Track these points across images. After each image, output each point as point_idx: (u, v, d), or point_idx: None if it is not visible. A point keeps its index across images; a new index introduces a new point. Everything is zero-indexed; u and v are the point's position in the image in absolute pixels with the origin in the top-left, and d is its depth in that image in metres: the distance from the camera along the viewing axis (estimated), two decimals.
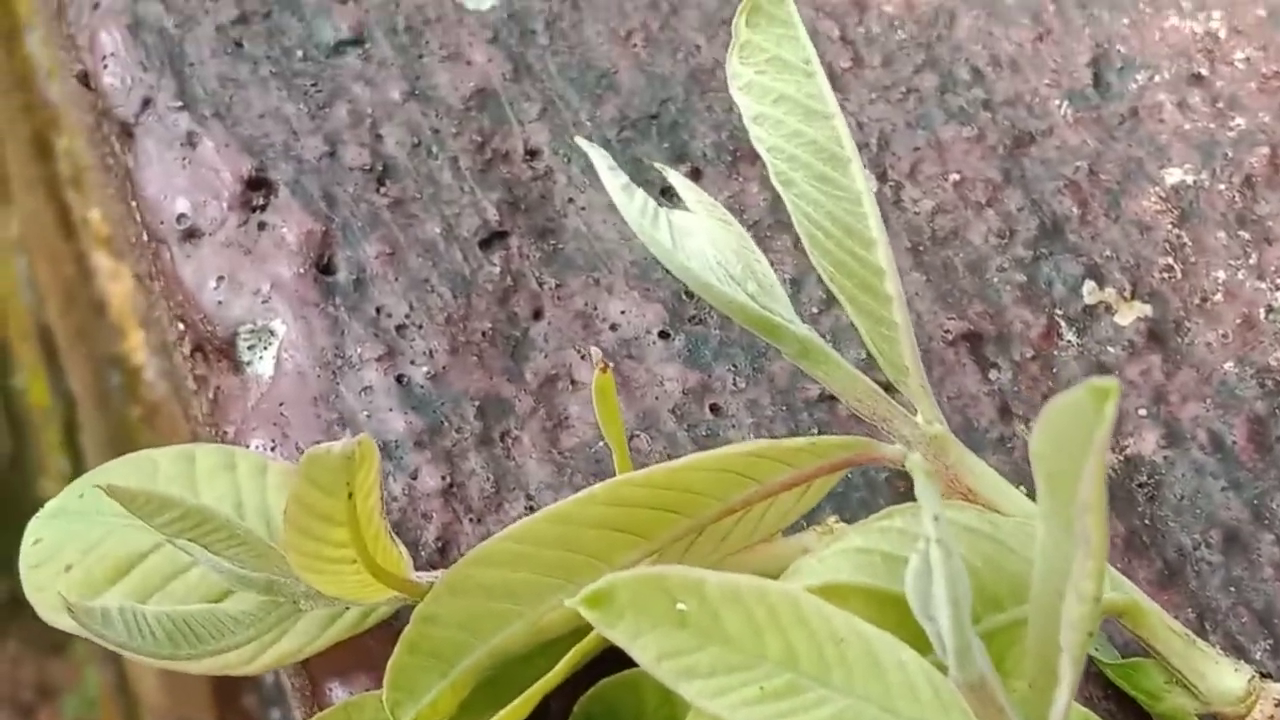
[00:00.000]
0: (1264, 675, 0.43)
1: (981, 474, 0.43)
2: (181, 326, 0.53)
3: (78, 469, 1.68)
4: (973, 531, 0.41)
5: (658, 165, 0.45)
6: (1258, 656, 0.47)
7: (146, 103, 0.56)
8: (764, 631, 0.37)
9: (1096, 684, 0.46)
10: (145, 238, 0.55)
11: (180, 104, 0.55)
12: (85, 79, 0.58)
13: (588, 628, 0.44)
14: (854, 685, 0.36)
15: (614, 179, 0.41)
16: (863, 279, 0.42)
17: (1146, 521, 0.49)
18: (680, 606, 0.37)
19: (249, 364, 0.51)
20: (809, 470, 0.43)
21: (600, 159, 0.41)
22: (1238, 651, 0.47)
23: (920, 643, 0.37)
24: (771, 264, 0.52)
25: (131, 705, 1.53)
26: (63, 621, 0.46)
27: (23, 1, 1.38)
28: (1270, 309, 0.54)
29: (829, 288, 0.43)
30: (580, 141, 0.42)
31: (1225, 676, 0.42)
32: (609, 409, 0.43)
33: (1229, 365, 0.53)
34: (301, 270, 0.52)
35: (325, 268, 0.52)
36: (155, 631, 0.42)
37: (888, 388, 0.44)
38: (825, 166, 0.43)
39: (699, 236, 0.42)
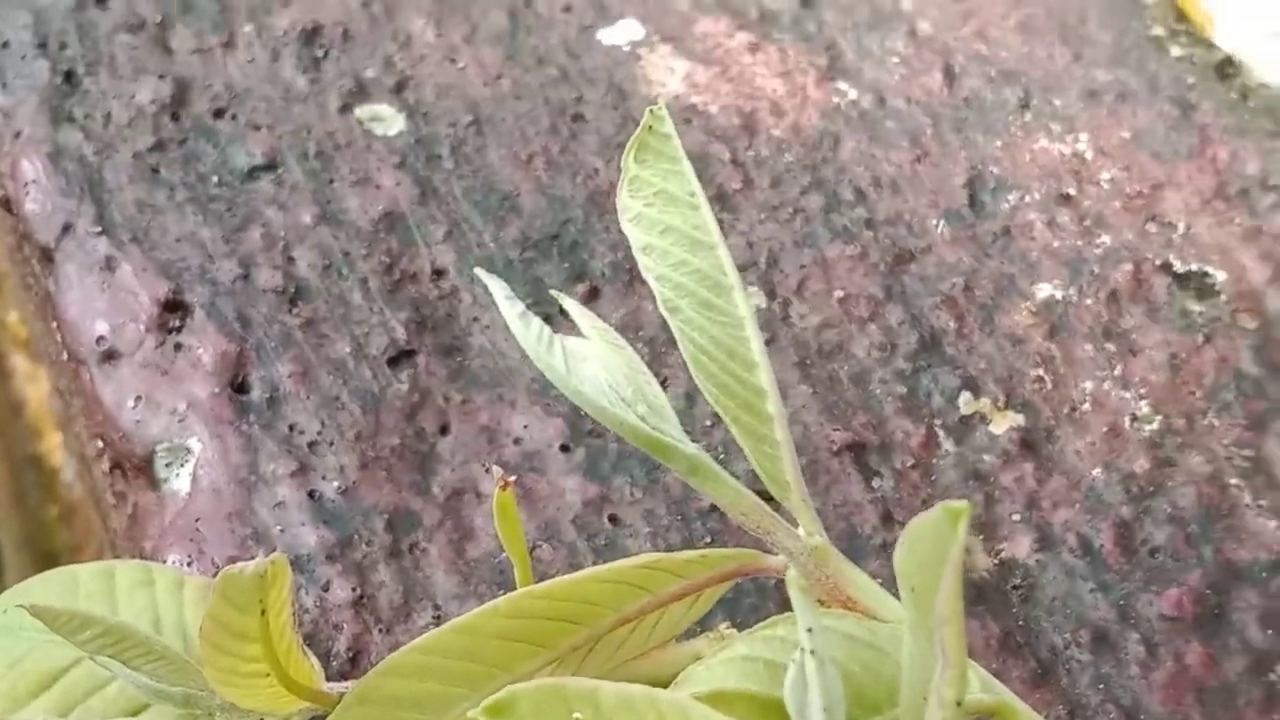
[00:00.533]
0: None
1: (860, 583, 0.46)
2: (100, 444, 0.56)
3: None
4: (852, 639, 0.43)
5: (553, 292, 0.48)
6: None
7: (67, 228, 0.58)
8: None
9: None
10: (65, 357, 0.58)
11: (99, 229, 0.58)
12: (7, 204, 0.60)
13: None
14: None
15: (511, 308, 0.44)
16: (745, 400, 0.45)
17: (1020, 622, 0.53)
18: (576, 716, 0.39)
19: (166, 481, 0.53)
20: (699, 580, 0.46)
21: (498, 288, 0.44)
22: None
23: None
24: (665, 379, 0.55)
25: None
26: None
27: None
28: (1135, 417, 0.57)
29: (717, 409, 0.46)
30: (479, 272, 0.45)
31: None
32: (510, 524, 0.46)
33: (1096, 471, 0.56)
34: (217, 390, 0.54)
35: (240, 387, 0.55)
36: None
37: (772, 500, 0.47)
38: (709, 293, 0.46)
39: (592, 361, 0.45)
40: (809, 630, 0.36)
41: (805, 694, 0.37)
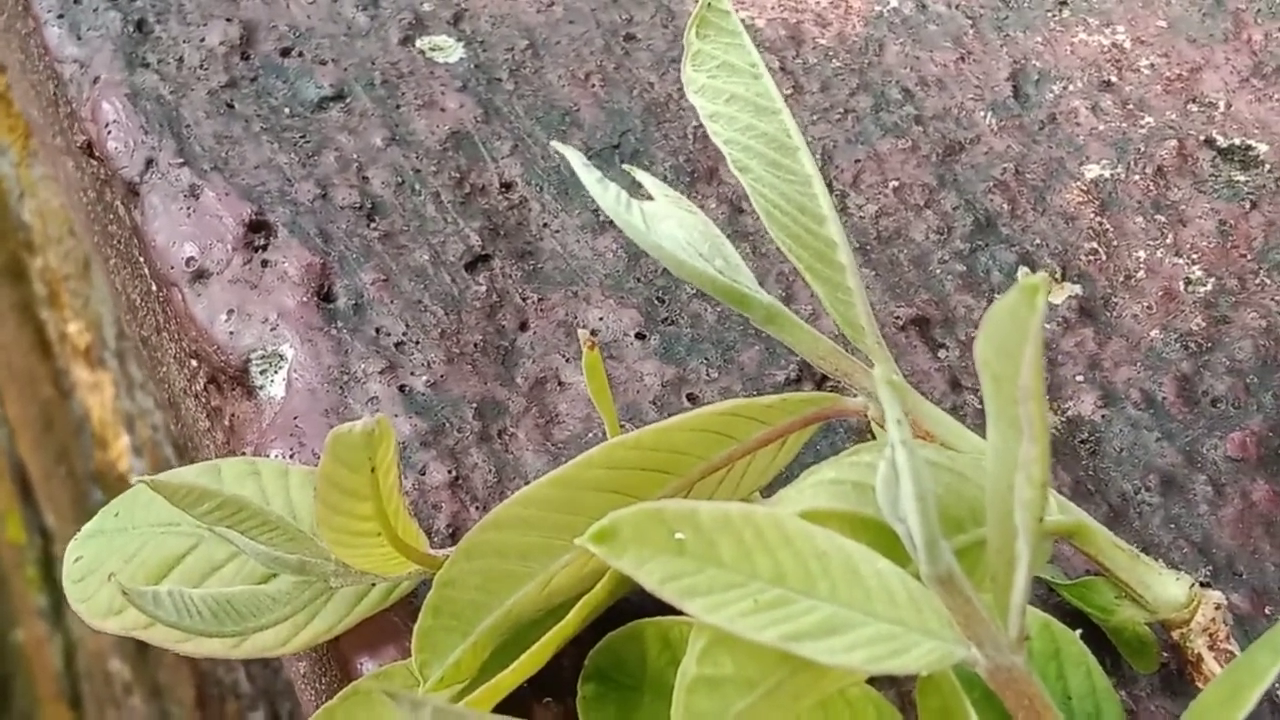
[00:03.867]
0: (1204, 584, 0.48)
1: (937, 417, 0.48)
2: (195, 363, 0.58)
3: (56, 605, 1.71)
4: (933, 464, 0.45)
5: (625, 167, 0.50)
6: (1202, 580, 0.52)
7: (149, 163, 0.60)
8: (754, 552, 0.41)
9: (1056, 615, 0.51)
10: (154, 288, 0.60)
11: (181, 161, 0.60)
12: (89, 148, 0.63)
13: (593, 587, 0.48)
14: (837, 594, 0.41)
15: (589, 174, 0.46)
16: (818, 250, 0.47)
17: (1090, 473, 0.54)
18: (678, 535, 0.41)
19: (261, 388, 0.55)
20: (781, 426, 0.48)
21: (575, 157, 0.46)
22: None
23: (893, 558, 0.42)
24: None
25: None
26: (110, 625, 0.50)
27: None
28: (1188, 281, 0.59)
29: (789, 262, 0.48)
30: (555, 145, 0.47)
31: (1169, 586, 0.47)
32: (598, 382, 0.48)
33: (1155, 332, 0.58)
34: (304, 299, 0.57)
35: (326, 296, 0.57)
36: (201, 611, 0.46)
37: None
38: (776, 154, 0.48)
39: (669, 221, 0.47)
40: (898, 421, 0.38)
41: (897, 487, 0.39)
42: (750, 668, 0.41)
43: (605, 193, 0.47)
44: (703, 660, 0.41)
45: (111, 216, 0.65)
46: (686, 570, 0.41)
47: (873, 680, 0.48)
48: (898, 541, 0.41)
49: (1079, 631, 0.46)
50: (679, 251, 0.46)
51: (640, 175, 0.49)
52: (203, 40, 0.65)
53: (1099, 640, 0.50)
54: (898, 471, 0.39)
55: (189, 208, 0.59)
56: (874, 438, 0.52)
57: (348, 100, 0.63)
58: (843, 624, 0.40)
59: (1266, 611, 0.51)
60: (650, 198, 0.49)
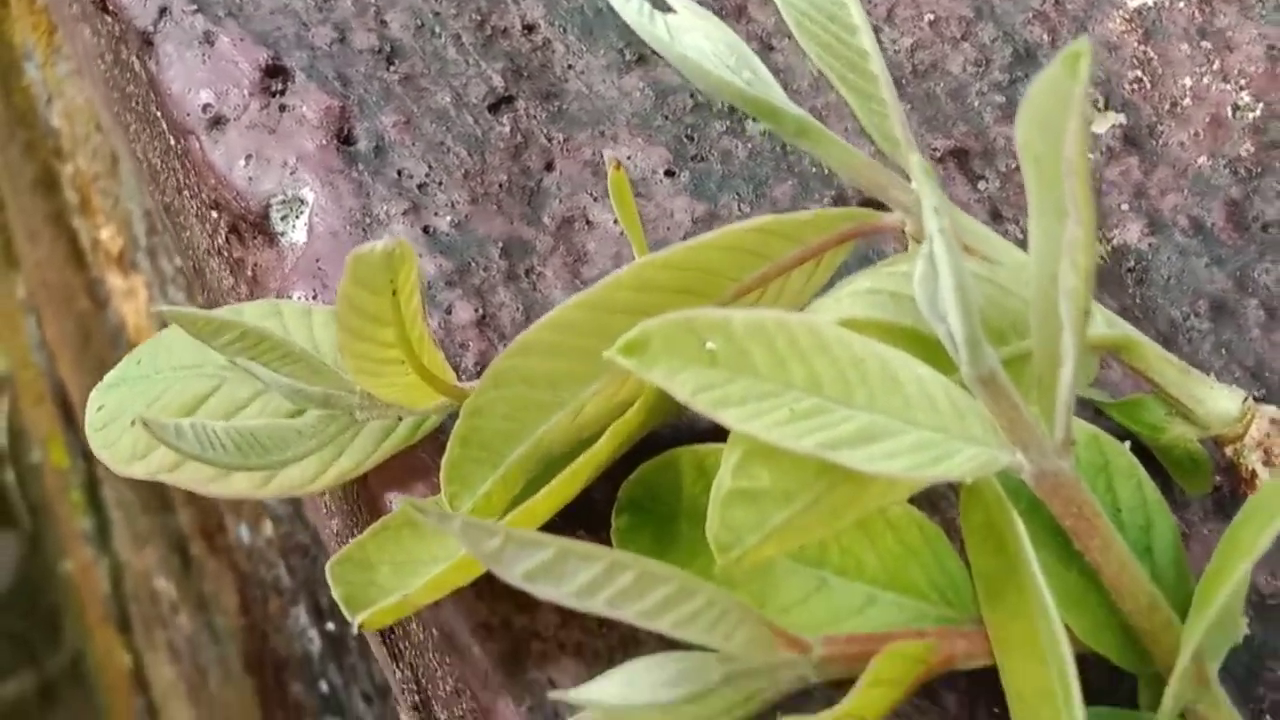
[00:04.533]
0: (1257, 400, 0.46)
1: (978, 233, 0.46)
2: (215, 215, 0.57)
3: (102, 528, 1.71)
4: (975, 276, 0.44)
5: None
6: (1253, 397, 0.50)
7: (163, 11, 0.59)
8: (788, 361, 0.40)
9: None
10: (173, 142, 0.59)
11: (195, 7, 0.59)
12: (103, 3, 0.61)
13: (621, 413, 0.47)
14: (875, 402, 0.39)
15: None
16: (850, 60, 0.46)
17: (1137, 300, 0.53)
18: (709, 345, 0.40)
19: (283, 234, 0.54)
20: (815, 244, 0.46)
21: None
22: None
23: (935, 366, 0.40)
24: None
25: None
26: (136, 469, 0.49)
27: (18, 30, 1.42)
28: (1236, 107, 0.57)
29: (822, 98, 0.46)
30: None
31: (1221, 400, 0.45)
32: (625, 204, 0.46)
33: (1202, 159, 0.56)
34: (324, 142, 0.55)
35: (346, 139, 0.55)
36: (225, 443, 0.45)
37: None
38: None
39: (694, 33, 0.45)
40: (935, 210, 0.36)
41: (936, 285, 0.37)
42: (788, 480, 0.40)
43: (627, 5, 0.45)
44: (738, 473, 0.40)
45: (129, 76, 0.64)
46: (719, 380, 0.39)
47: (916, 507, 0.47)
48: (939, 351, 0.39)
49: (1127, 443, 0.44)
50: (705, 62, 0.45)
51: None
52: None
53: (1149, 465, 0.48)
54: (936, 266, 0.37)
55: (204, 54, 0.58)
56: None
57: None
58: (882, 432, 0.39)
59: None
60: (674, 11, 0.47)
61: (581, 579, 0.38)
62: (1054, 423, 0.39)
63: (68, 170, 1.46)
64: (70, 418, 1.73)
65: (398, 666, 0.55)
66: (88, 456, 1.57)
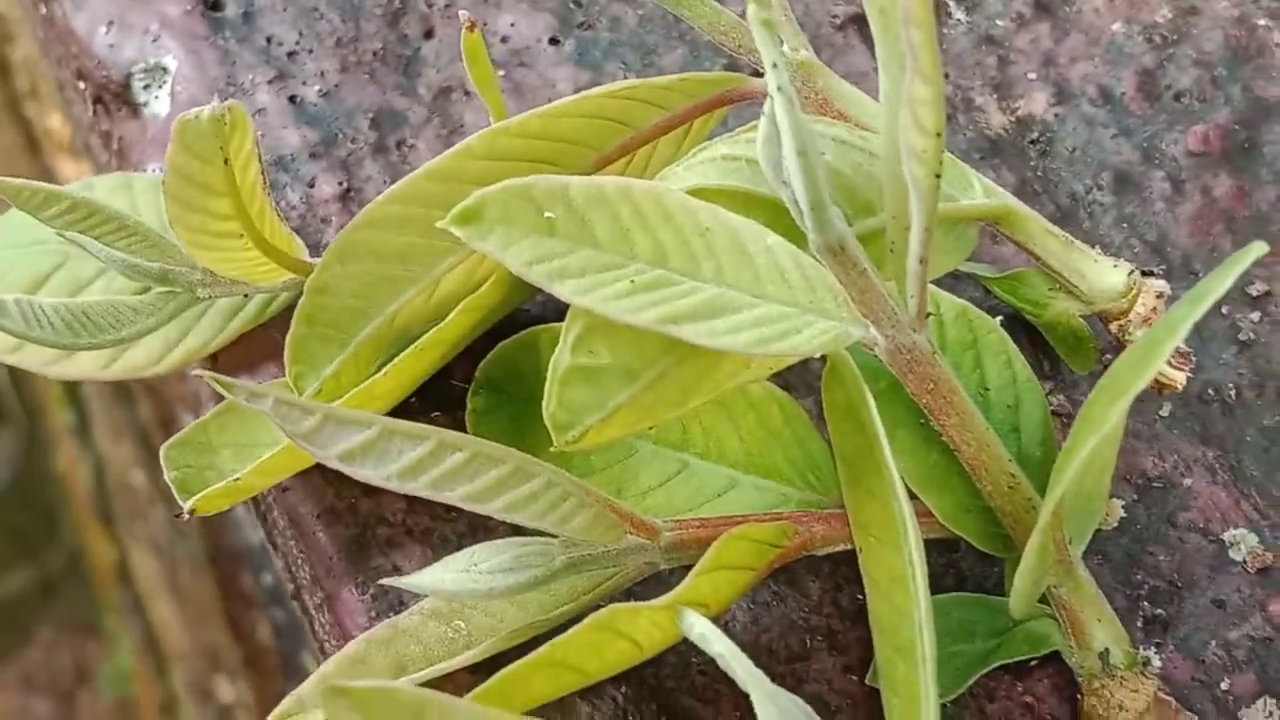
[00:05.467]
0: (1145, 273, 0.44)
1: (851, 96, 0.43)
2: (81, 84, 0.54)
3: (83, 421, 1.69)
4: (842, 143, 0.41)
5: None
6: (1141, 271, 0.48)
7: None
8: (632, 231, 0.37)
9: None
10: (43, 11, 0.56)
11: None
12: None
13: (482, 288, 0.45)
14: (723, 274, 0.37)
15: None
16: None
17: (1039, 173, 0.50)
18: (548, 214, 0.37)
19: (145, 105, 0.52)
20: (682, 111, 0.43)
21: None
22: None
23: (789, 237, 0.38)
24: None
25: (160, 660, 1.55)
26: None
27: None
28: None
29: None
30: None
31: (1106, 274, 0.43)
32: (479, 67, 0.44)
33: (1116, 26, 0.53)
34: (189, 8, 0.52)
35: (213, 4, 0.53)
36: (52, 321, 0.42)
37: None
38: None
39: None
40: (774, 65, 0.33)
41: (778, 146, 0.35)
42: (630, 356, 0.38)
43: None
44: (577, 349, 0.38)
45: None
46: (558, 251, 0.37)
47: (786, 386, 0.45)
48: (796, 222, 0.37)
49: (999, 319, 0.42)
50: None
51: None
52: None
53: (1037, 341, 0.46)
54: (777, 127, 0.35)
55: None
56: None
57: None
58: (728, 305, 0.37)
59: (1223, 311, 0.47)
60: None
61: (405, 460, 0.36)
62: (906, 294, 0.37)
63: (18, 54, 1.42)
64: None
65: (276, 554, 0.53)
66: None
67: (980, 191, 0.42)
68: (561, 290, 0.37)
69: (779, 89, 0.34)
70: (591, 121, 0.43)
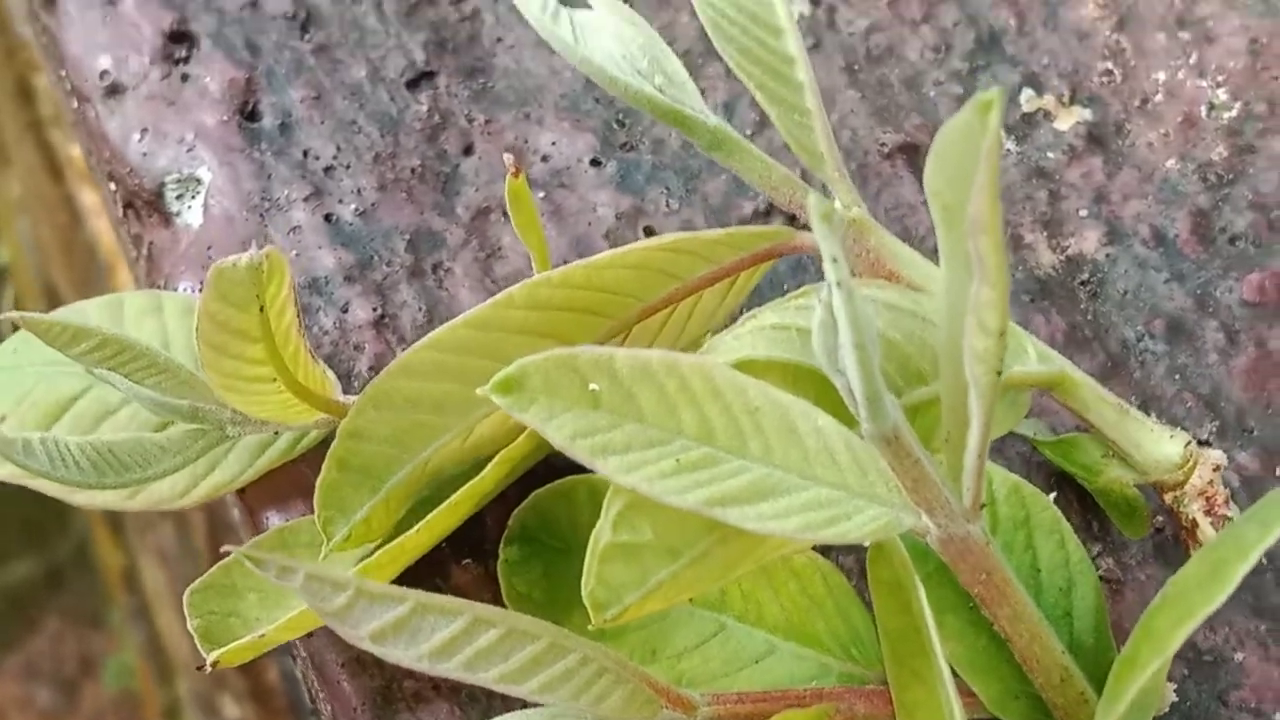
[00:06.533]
0: (1202, 444, 0.43)
1: (904, 255, 0.42)
2: (113, 186, 0.53)
3: None
4: (894, 308, 0.40)
5: None
6: (1204, 438, 0.46)
7: None
8: (678, 406, 0.36)
9: (1040, 474, 0.46)
10: (75, 104, 0.55)
11: None
12: None
13: (519, 436, 0.43)
14: (771, 454, 0.36)
15: None
16: (771, 66, 0.42)
17: (1089, 317, 0.49)
18: (593, 387, 0.36)
19: (178, 214, 0.51)
20: (729, 264, 0.42)
21: None
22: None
23: (840, 416, 0.37)
24: (703, 91, 0.52)
25: (165, 667, 1.54)
26: (3, 470, 0.46)
27: None
28: (1211, 106, 0.53)
29: (738, 79, 0.42)
30: None
31: (1162, 444, 0.42)
32: (524, 213, 0.43)
33: (1171, 163, 0.52)
34: (225, 118, 0.51)
35: (250, 114, 0.52)
36: (79, 460, 0.41)
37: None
38: None
39: (604, 33, 0.41)
40: (833, 260, 0.32)
41: (835, 336, 0.34)
42: (673, 534, 0.37)
43: (530, 2, 0.41)
44: (619, 525, 0.37)
45: (41, 25, 0.60)
46: (602, 425, 0.36)
47: (829, 552, 0.43)
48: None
49: (1053, 495, 0.41)
50: (611, 66, 0.41)
51: None
52: None
53: (1088, 502, 0.45)
54: (835, 317, 0.34)
55: (105, 15, 0.54)
56: None
57: None
58: (776, 487, 0.36)
59: (1277, 472, 0.46)
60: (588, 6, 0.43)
61: (438, 639, 0.35)
62: (962, 485, 0.35)
63: (41, 82, 1.42)
64: None
65: (296, 663, 0.52)
66: None
67: (1034, 357, 0.41)
68: (605, 468, 0.35)
69: (838, 283, 0.33)
70: (637, 272, 0.42)
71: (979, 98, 0.30)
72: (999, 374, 0.33)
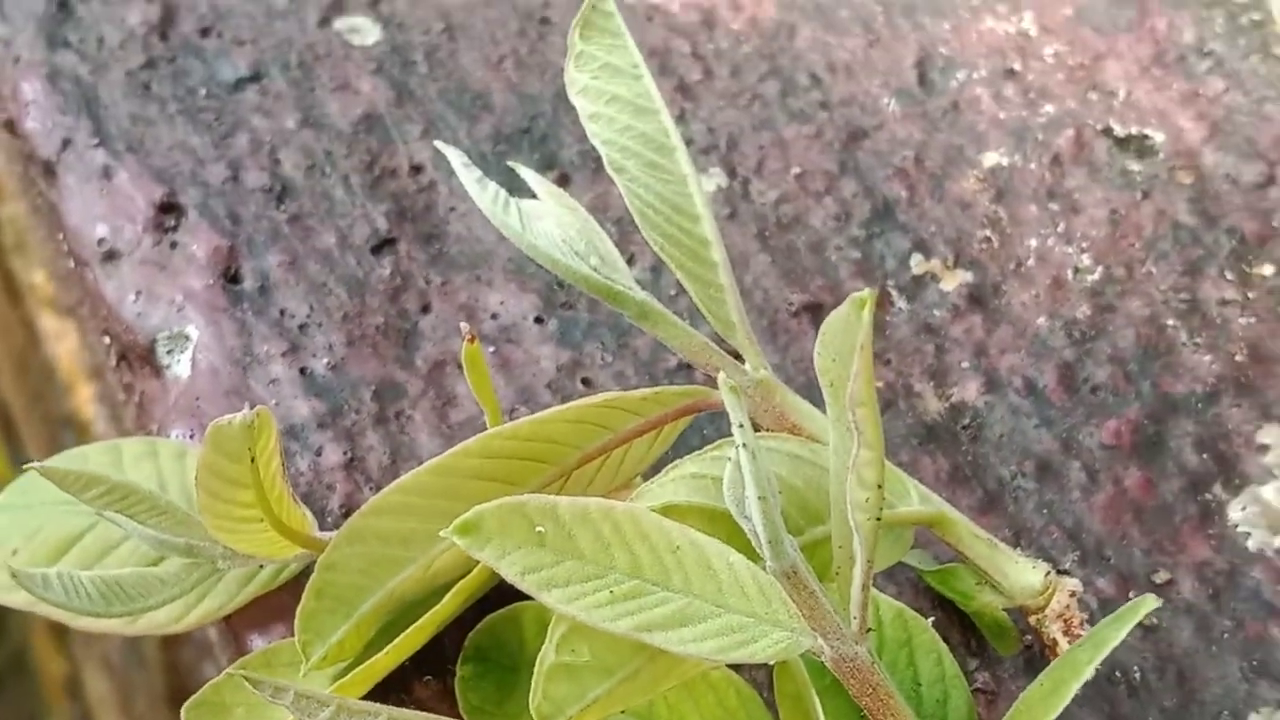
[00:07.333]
0: (1061, 572, 0.50)
1: (804, 410, 0.49)
2: (108, 340, 0.59)
3: None
4: (796, 458, 0.47)
5: (510, 163, 0.52)
6: (1067, 566, 0.54)
7: (66, 143, 0.62)
8: (611, 545, 0.43)
9: (926, 599, 0.53)
10: (72, 265, 0.61)
11: (97, 141, 0.61)
12: (11, 126, 0.64)
13: (473, 568, 0.50)
14: (691, 586, 0.43)
15: (469, 174, 0.48)
16: (691, 249, 0.49)
17: (969, 458, 0.56)
18: (539, 529, 0.43)
19: (168, 367, 0.57)
20: (655, 418, 0.49)
21: (456, 158, 0.48)
22: (1051, 564, 0.53)
23: (748, 553, 0.43)
24: (632, 255, 0.59)
25: None
26: (15, 599, 0.52)
27: None
28: (1077, 269, 0.61)
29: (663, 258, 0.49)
30: (439, 145, 0.49)
31: (1025, 573, 0.49)
32: (478, 374, 0.49)
33: (1041, 320, 0.60)
34: (211, 281, 0.58)
35: (233, 278, 0.58)
36: (90, 592, 0.48)
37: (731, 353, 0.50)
38: (654, 154, 0.49)
39: (547, 220, 0.49)
40: (740, 426, 0.39)
41: (743, 489, 0.41)
42: (607, 655, 0.43)
43: (484, 193, 0.48)
44: (561, 648, 0.43)
45: (37, 191, 0.67)
46: (546, 562, 0.43)
47: (743, 668, 0.50)
48: None
49: (933, 619, 0.47)
50: (554, 250, 0.48)
51: (524, 173, 0.51)
52: (124, 20, 0.66)
53: (967, 623, 0.52)
54: (742, 473, 0.41)
55: (102, 189, 0.60)
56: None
57: (263, 82, 0.64)
58: (695, 615, 0.42)
59: (1130, 595, 0.53)
60: (534, 195, 0.50)
61: None
62: (850, 613, 0.42)
63: (5, 210, 1.47)
64: (11, 432, 1.74)
65: None
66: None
67: (916, 499, 0.48)
68: (549, 599, 0.42)
69: (744, 445, 0.40)
70: (576, 425, 0.48)
71: (854, 297, 0.38)
72: (878, 520, 0.41)
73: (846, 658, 0.43)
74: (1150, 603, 0.39)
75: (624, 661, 0.43)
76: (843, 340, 0.38)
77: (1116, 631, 0.38)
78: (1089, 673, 0.39)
